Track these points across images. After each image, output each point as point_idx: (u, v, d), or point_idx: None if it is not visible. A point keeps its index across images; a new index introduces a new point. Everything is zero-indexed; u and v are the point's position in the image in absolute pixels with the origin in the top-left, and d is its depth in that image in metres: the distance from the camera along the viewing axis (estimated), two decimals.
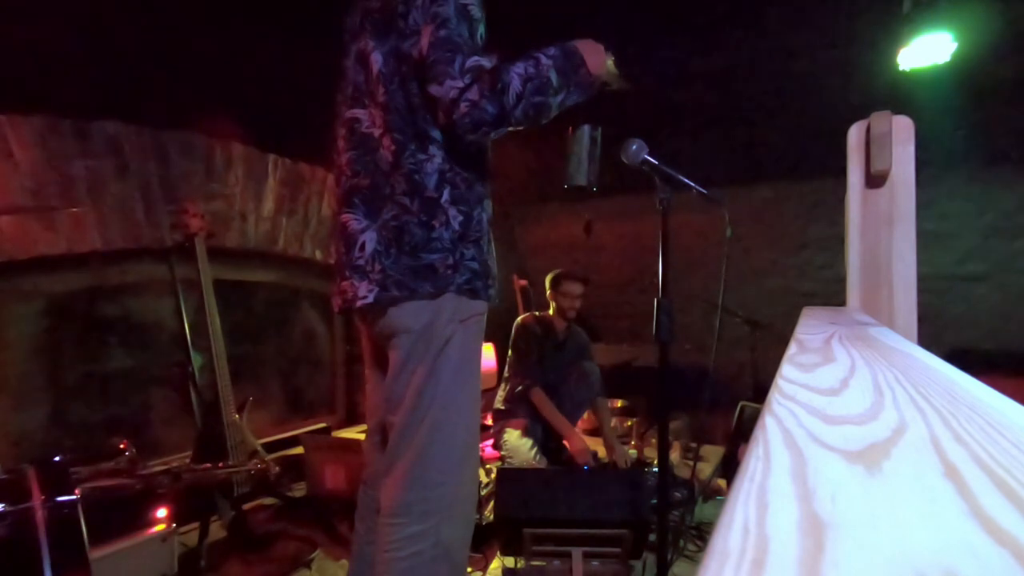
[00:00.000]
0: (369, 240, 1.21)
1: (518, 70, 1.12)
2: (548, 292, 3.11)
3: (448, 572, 1.27)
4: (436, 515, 1.24)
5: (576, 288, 3.03)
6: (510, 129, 1.15)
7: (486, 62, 1.12)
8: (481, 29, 1.19)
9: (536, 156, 3.93)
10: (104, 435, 2.44)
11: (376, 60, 1.23)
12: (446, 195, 1.21)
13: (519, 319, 3.12)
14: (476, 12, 1.18)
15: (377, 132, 1.23)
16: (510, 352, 3.05)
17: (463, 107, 1.09)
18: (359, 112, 1.27)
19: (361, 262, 1.22)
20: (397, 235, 1.19)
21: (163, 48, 2.13)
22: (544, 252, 4.95)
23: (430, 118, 1.19)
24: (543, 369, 2.98)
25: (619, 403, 3.72)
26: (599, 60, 1.26)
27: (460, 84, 1.09)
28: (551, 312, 3.12)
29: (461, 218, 1.22)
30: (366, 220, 1.23)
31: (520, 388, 2.90)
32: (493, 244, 1.34)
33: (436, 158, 1.20)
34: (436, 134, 1.20)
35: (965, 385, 0.40)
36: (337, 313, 1.34)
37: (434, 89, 1.12)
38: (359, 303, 1.22)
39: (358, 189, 1.25)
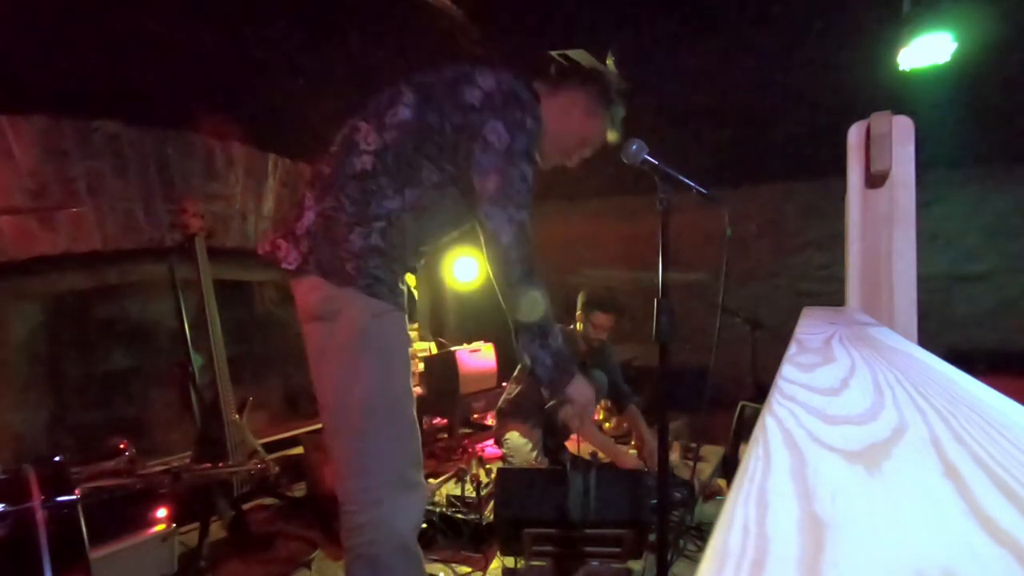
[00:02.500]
0: (308, 219, 1.34)
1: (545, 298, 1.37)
2: (578, 311, 2.97)
3: (405, 561, 1.34)
4: (384, 503, 1.31)
5: (606, 321, 2.89)
6: (502, 281, 1.34)
7: (527, 215, 1.34)
8: (533, 170, 1.37)
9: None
10: (104, 435, 2.44)
11: (406, 109, 1.33)
12: (379, 225, 1.31)
13: None
14: (535, 154, 1.38)
15: (363, 145, 1.33)
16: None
17: (511, 251, 1.32)
18: (362, 124, 1.37)
19: (299, 232, 1.35)
20: (326, 224, 1.31)
21: (163, 48, 2.13)
22: (543, 251, 4.94)
23: (425, 178, 1.33)
24: None
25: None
26: (582, 397, 1.46)
27: (508, 233, 1.31)
28: (578, 327, 2.98)
29: (382, 244, 1.31)
30: (314, 202, 1.35)
31: (551, 407, 2.79)
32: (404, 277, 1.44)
33: (396, 200, 1.32)
34: (414, 193, 1.33)
35: (965, 385, 0.40)
36: (260, 255, 1.44)
37: (485, 215, 1.32)
38: (283, 264, 1.35)
39: (321, 175, 1.38)
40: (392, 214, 1.32)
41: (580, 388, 1.46)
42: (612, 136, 1.59)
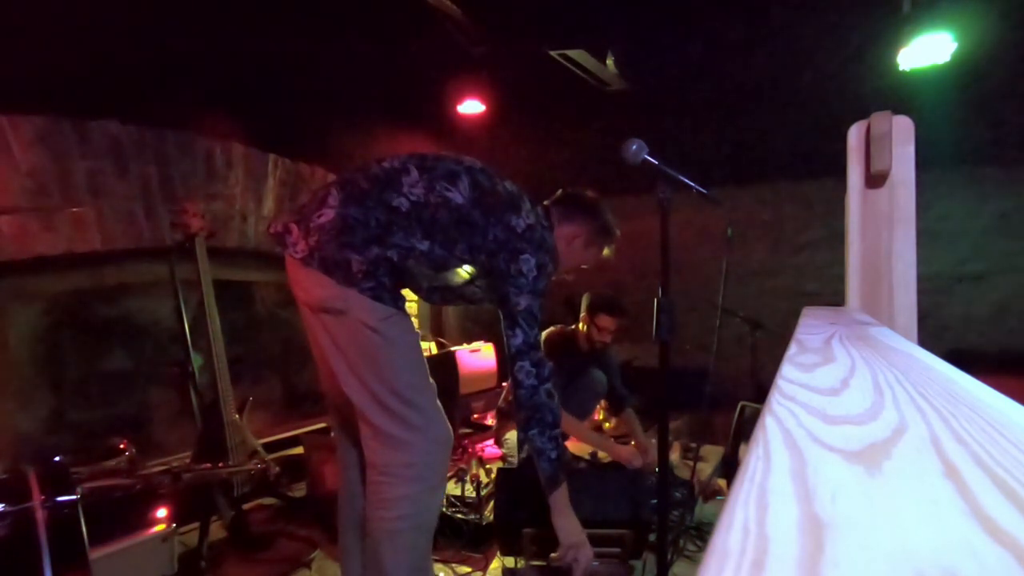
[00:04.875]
0: (327, 216, 1.40)
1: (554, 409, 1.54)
2: (582, 313, 2.94)
3: (424, 544, 1.46)
4: (425, 482, 1.41)
5: (609, 323, 2.84)
6: (526, 381, 1.50)
7: (539, 337, 1.51)
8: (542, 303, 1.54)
9: (534, 157, 3.94)
10: (104, 435, 2.44)
11: (459, 195, 1.46)
12: (398, 252, 1.39)
13: (547, 334, 2.94)
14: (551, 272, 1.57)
15: (406, 189, 1.42)
16: None
17: (521, 371, 1.49)
18: (413, 171, 1.46)
19: (313, 224, 1.40)
20: (343, 227, 1.37)
21: (163, 48, 2.13)
22: None
23: (458, 250, 1.46)
24: (564, 388, 2.83)
25: None
26: (573, 537, 1.58)
27: (536, 346, 1.50)
28: (581, 328, 2.95)
29: (396, 261, 1.40)
30: (339, 204, 1.40)
31: None
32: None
33: (423, 244, 1.41)
34: (442, 252, 1.44)
35: (965, 385, 0.40)
36: (269, 233, 1.50)
37: (516, 325, 1.48)
38: (289, 250, 1.42)
39: (354, 183, 1.43)
40: (414, 251, 1.41)
41: (571, 527, 1.58)
42: (607, 253, 1.81)
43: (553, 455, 1.53)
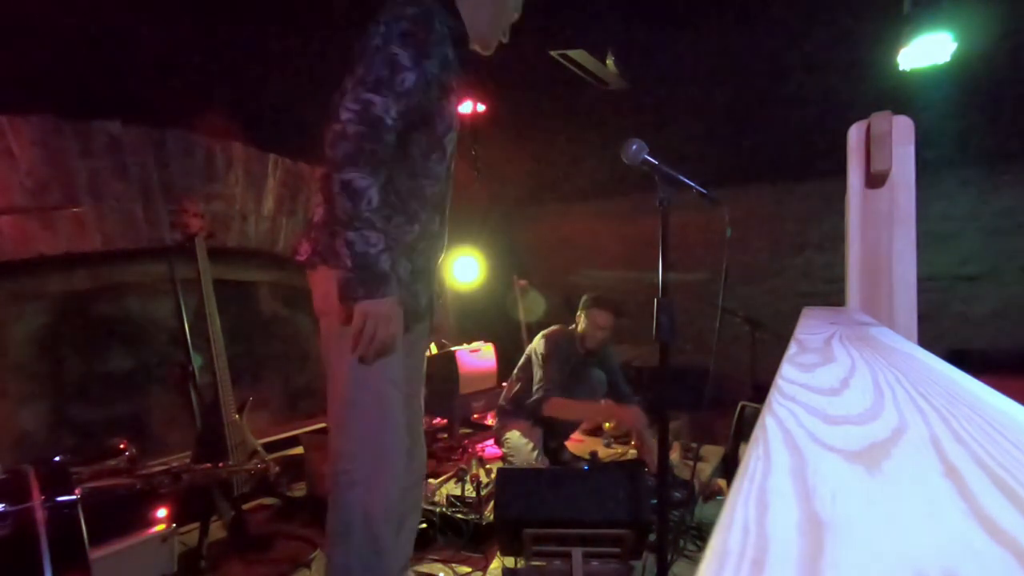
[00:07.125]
0: (318, 214, 1.47)
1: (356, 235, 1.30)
2: (579, 312, 3.00)
3: (369, 552, 1.40)
4: (359, 485, 1.39)
5: (602, 318, 2.90)
6: (330, 160, 1.29)
7: (381, 101, 1.29)
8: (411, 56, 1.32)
9: (534, 157, 3.94)
10: (104, 435, 2.44)
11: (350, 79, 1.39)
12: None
13: (548, 331, 3.02)
14: (421, 43, 1.34)
15: None
16: (539, 360, 2.93)
17: (347, 127, 1.28)
18: (335, 125, 1.43)
19: (310, 227, 1.49)
20: (331, 215, 1.38)
21: (163, 48, 2.13)
22: (542, 252, 4.95)
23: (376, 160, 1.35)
24: (563, 386, 2.90)
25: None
26: (378, 314, 1.32)
27: (350, 110, 1.28)
28: (579, 327, 3.00)
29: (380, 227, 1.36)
30: (322, 199, 1.44)
31: (532, 402, 2.82)
32: (413, 269, 1.49)
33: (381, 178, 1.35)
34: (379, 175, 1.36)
35: (965, 385, 0.40)
36: (293, 257, 1.56)
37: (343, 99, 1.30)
38: (297, 257, 1.50)
39: (322, 175, 1.45)
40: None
41: (379, 307, 1.31)
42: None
43: (348, 264, 1.29)
